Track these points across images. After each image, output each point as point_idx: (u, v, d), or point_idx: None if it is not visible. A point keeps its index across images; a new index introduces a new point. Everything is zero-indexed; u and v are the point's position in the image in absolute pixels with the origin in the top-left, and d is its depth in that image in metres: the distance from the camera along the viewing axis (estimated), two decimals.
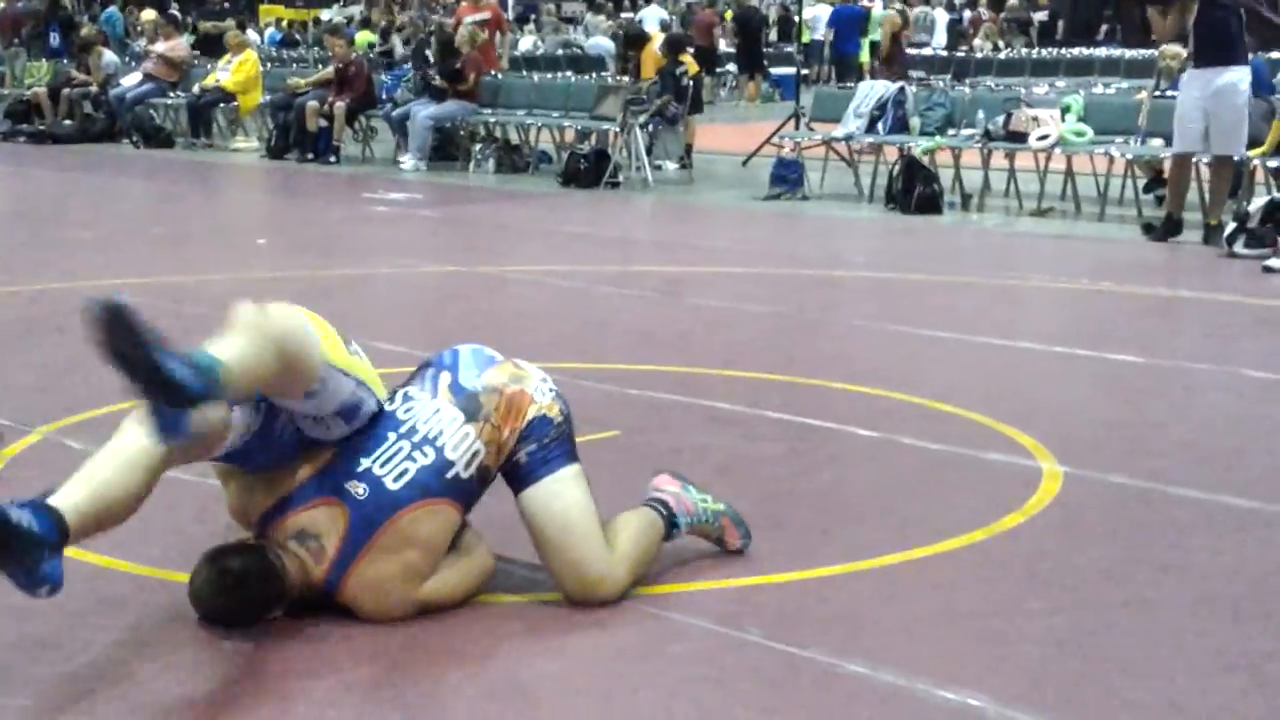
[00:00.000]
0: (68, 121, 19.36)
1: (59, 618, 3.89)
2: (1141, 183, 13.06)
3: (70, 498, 3.53)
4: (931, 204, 12.67)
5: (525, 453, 4.00)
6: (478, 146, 16.51)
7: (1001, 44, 26.63)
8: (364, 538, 3.77)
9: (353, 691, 3.53)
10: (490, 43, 17.49)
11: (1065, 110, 12.80)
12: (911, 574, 4.32)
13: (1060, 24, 30.70)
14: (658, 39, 18.38)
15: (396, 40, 24.11)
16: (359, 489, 3.83)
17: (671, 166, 15.79)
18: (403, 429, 3.93)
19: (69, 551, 3.96)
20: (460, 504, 3.93)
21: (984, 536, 4.60)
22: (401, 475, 3.85)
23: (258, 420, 3.79)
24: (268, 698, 3.49)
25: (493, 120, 16.62)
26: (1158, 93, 13.11)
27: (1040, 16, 30.33)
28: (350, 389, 3.83)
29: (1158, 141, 12.38)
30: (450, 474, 3.89)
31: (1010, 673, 3.62)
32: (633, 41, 18.57)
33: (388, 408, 4.01)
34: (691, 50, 17.08)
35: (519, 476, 4.02)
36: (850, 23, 24.99)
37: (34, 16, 24.16)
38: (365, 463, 3.87)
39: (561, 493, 4.00)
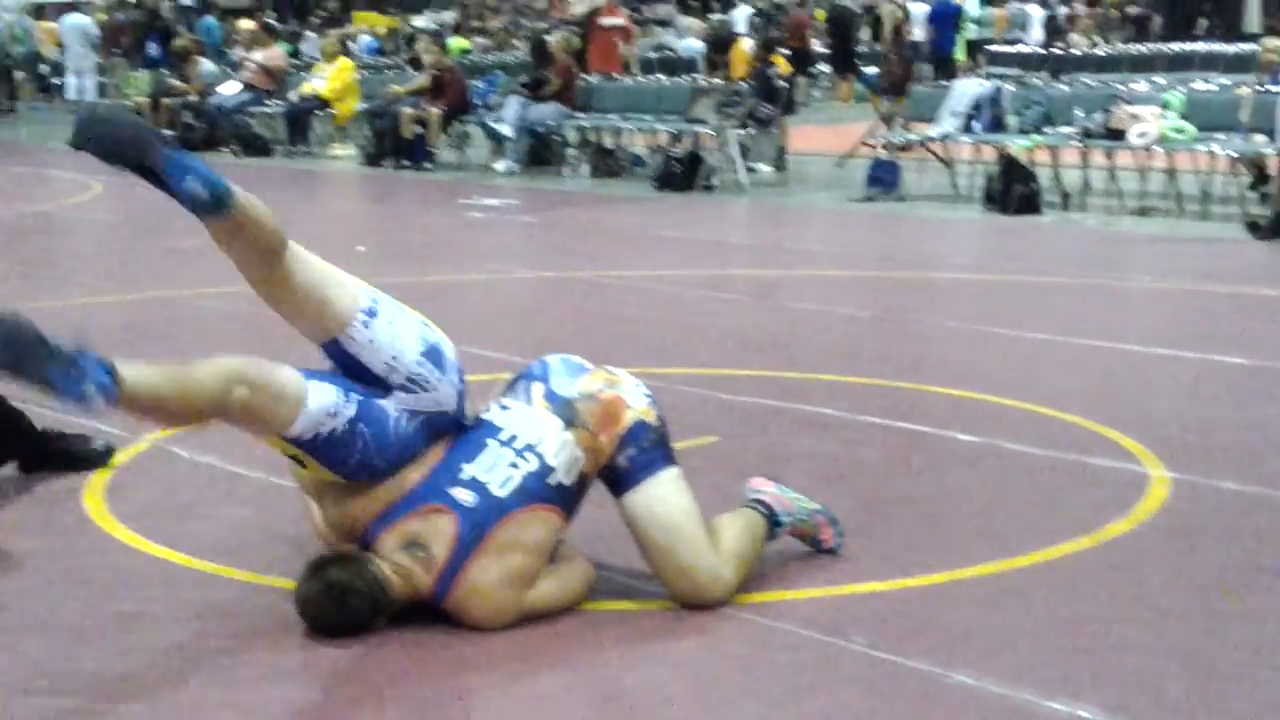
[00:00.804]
0: (168, 131, 19.62)
1: (169, 624, 3.94)
2: (1246, 180, 12.84)
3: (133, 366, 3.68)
4: (1030, 204, 12.55)
5: (625, 457, 4.01)
6: (571, 151, 16.55)
7: (1099, 40, 26.33)
8: (473, 544, 3.79)
9: (457, 699, 3.55)
10: (616, 47, 17.82)
11: (1165, 107, 12.62)
12: (1016, 582, 4.27)
13: (1156, 19, 30.27)
14: (746, 40, 18.36)
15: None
16: (466, 496, 3.84)
17: (765, 169, 15.75)
18: (502, 435, 3.95)
19: (178, 558, 4.01)
20: (563, 510, 3.95)
21: (1090, 544, 4.54)
22: (507, 482, 3.87)
23: (349, 408, 3.81)
24: (370, 704, 3.52)
25: (586, 125, 16.67)
26: (1259, 88, 12.90)
27: (1135, 11, 29.94)
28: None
29: (1261, 138, 12.18)
30: (553, 480, 3.91)
31: (1120, 683, 3.56)
32: (720, 43, 18.56)
33: (484, 416, 4.04)
34: (784, 51, 17.05)
35: (620, 481, 4.03)
36: (947, 19, 24.83)
37: (133, 27, 24.56)
38: (469, 470, 3.88)
39: (664, 496, 4.00)
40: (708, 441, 5.63)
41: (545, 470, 3.90)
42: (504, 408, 4.06)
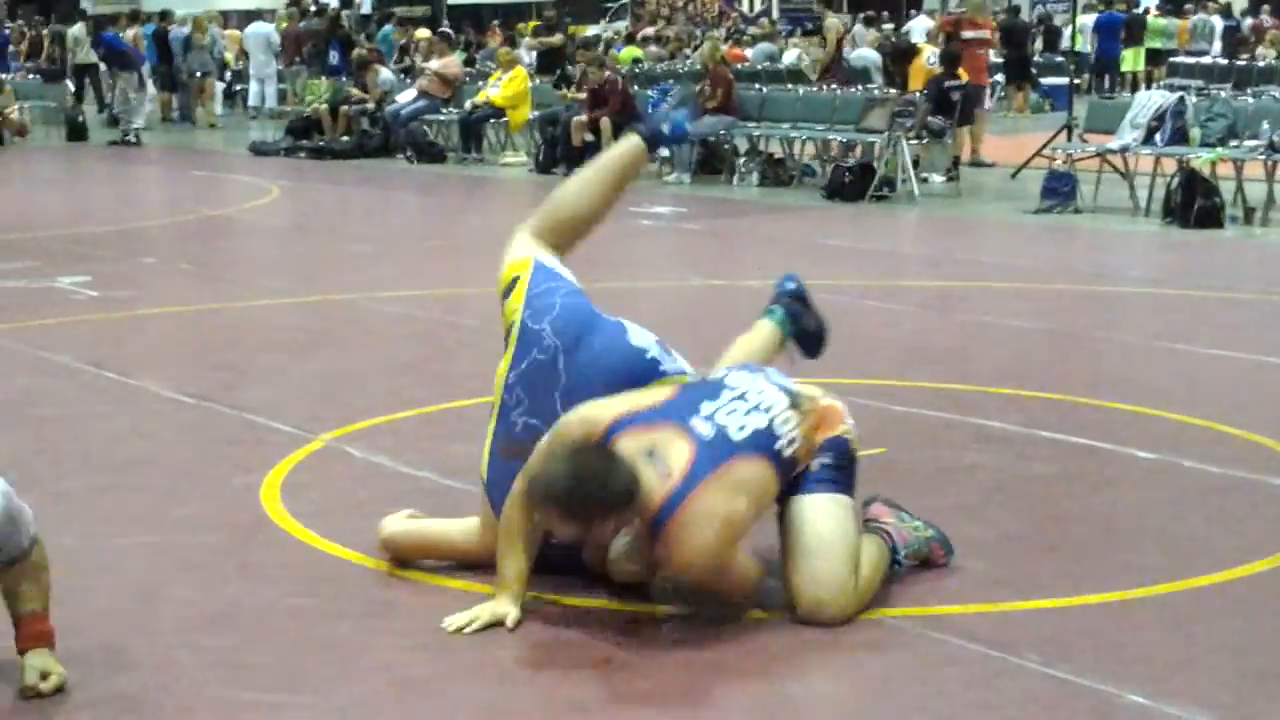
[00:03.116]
0: (345, 137, 20.00)
1: (342, 621, 4.01)
2: None
3: None
4: (1212, 218, 12.24)
5: (819, 463, 4.06)
6: (741, 160, 16.53)
7: None
8: (706, 470, 3.82)
9: (628, 705, 3.56)
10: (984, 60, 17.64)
11: None
12: (1193, 603, 4.16)
13: None
14: (926, 50, 18.17)
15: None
16: (705, 429, 3.91)
17: (938, 179, 15.58)
18: (737, 391, 4.06)
19: (351, 555, 4.08)
20: (781, 477, 4.00)
21: (1269, 566, 4.41)
22: (742, 429, 3.94)
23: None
24: (543, 705, 3.54)
25: (756, 133, 16.62)
26: None
27: None
28: None
29: None
30: (776, 446, 3.98)
31: None
32: (901, 54, 18.36)
33: (717, 377, 4.20)
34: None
35: (799, 483, 4.04)
36: (1113, 28, 24.38)
37: (314, 35, 25.03)
38: (708, 408, 3.98)
39: (833, 512, 4.02)
40: (877, 453, 5.57)
41: (773, 434, 3.98)
42: (736, 372, 4.19)
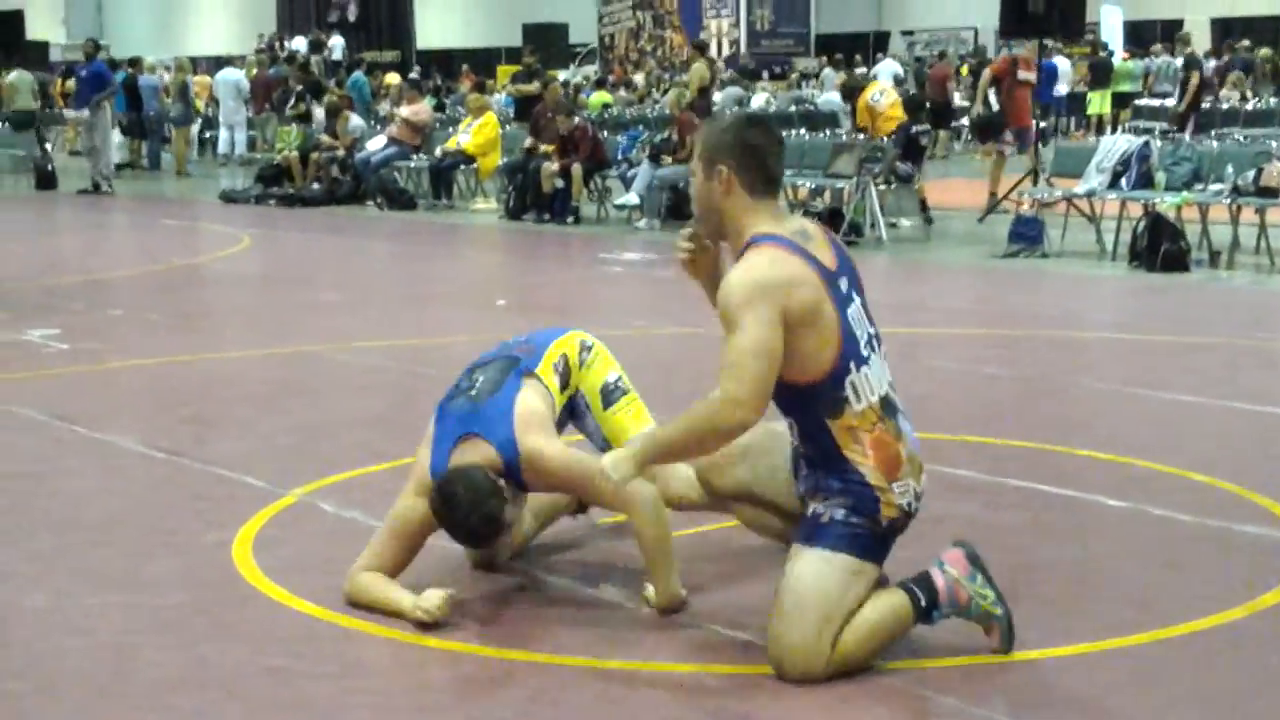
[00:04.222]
0: (316, 185, 20.02)
1: (315, 681, 4.00)
2: None
3: None
4: (1178, 262, 12.34)
5: (835, 514, 4.01)
6: None
7: (1249, 93, 25.87)
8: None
9: None
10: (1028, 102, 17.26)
11: None
12: (1164, 653, 4.19)
13: None
14: (871, 88, 18.30)
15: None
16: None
17: (907, 223, 15.67)
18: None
19: (324, 614, 4.06)
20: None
21: (1240, 615, 4.44)
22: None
23: None
24: None
25: None
26: None
27: None
28: None
29: None
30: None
31: None
32: (849, 93, 18.34)
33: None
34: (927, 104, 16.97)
35: (813, 530, 4.03)
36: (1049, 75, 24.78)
37: (284, 82, 25.08)
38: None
39: (822, 572, 3.97)
40: None
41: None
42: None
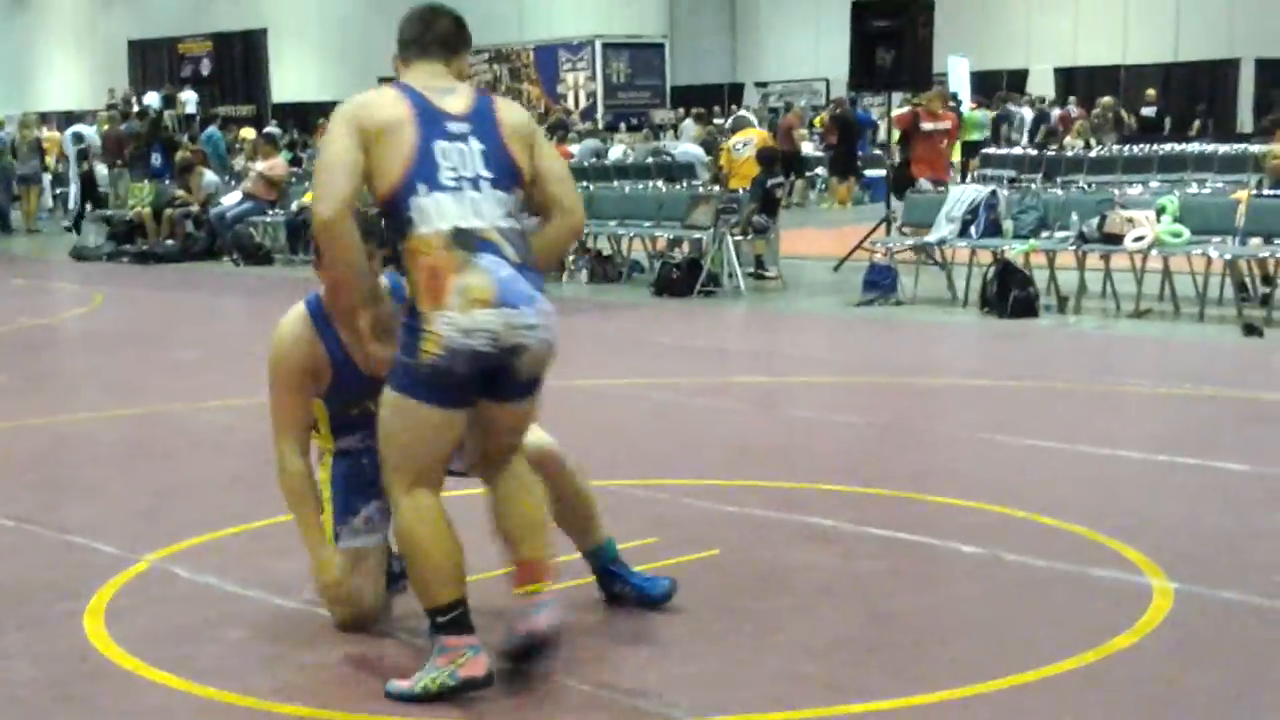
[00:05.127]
0: (170, 241, 19.74)
1: None
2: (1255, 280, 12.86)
3: None
4: (1027, 307, 12.59)
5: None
6: (571, 257, 16.63)
7: (1093, 140, 26.52)
8: None
9: None
10: (943, 154, 17.25)
11: (1161, 211, 12.70)
12: (1022, 698, 4.25)
13: (1167, 121, 30.30)
14: (732, 140, 18.53)
15: None
16: None
17: (769, 273, 15.82)
18: None
19: (179, 684, 3.98)
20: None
21: (1095, 658, 4.52)
22: None
23: None
24: None
25: (584, 231, 16.74)
26: (1256, 192, 12.97)
27: (1147, 112, 30.00)
28: None
29: (1256, 240, 12.25)
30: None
31: None
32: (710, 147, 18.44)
33: None
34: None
35: None
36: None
37: (136, 138, 24.73)
38: None
39: (381, 415, 4.33)
40: (709, 555, 5.63)
41: None
42: None
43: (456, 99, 4.37)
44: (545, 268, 4.44)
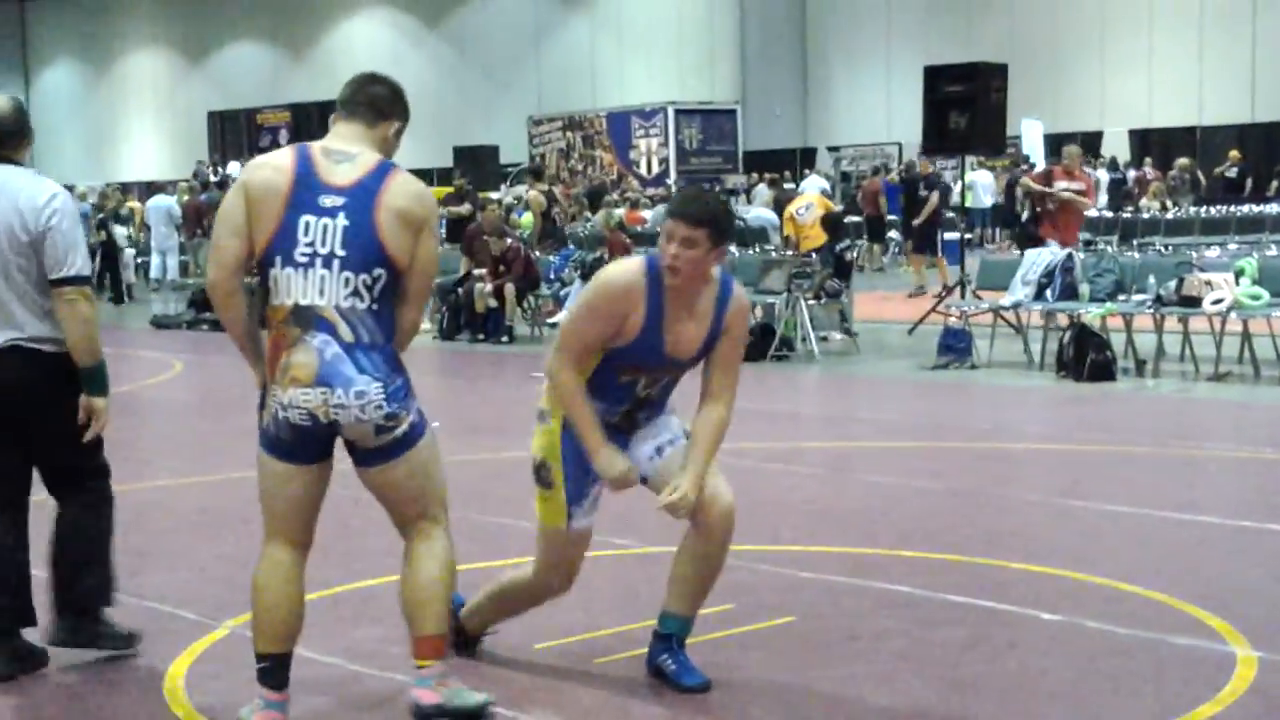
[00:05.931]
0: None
1: None
2: None
3: None
4: (1104, 371, 12.51)
5: None
6: None
7: (1169, 203, 26.36)
8: None
9: None
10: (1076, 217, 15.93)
11: (1239, 273, 12.60)
12: None
13: (1249, 181, 30.00)
14: (797, 203, 18.57)
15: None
16: None
17: (838, 337, 15.81)
18: None
19: None
20: None
21: None
22: None
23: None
24: None
25: None
26: None
27: (1229, 173, 29.73)
28: None
29: None
30: None
31: None
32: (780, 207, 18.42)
33: None
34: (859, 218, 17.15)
35: None
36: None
37: (215, 208, 25.11)
38: None
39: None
40: (786, 622, 5.61)
41: None
42: None
43: (349, 169, 4.42)
44: (400, 347, 4.52)
